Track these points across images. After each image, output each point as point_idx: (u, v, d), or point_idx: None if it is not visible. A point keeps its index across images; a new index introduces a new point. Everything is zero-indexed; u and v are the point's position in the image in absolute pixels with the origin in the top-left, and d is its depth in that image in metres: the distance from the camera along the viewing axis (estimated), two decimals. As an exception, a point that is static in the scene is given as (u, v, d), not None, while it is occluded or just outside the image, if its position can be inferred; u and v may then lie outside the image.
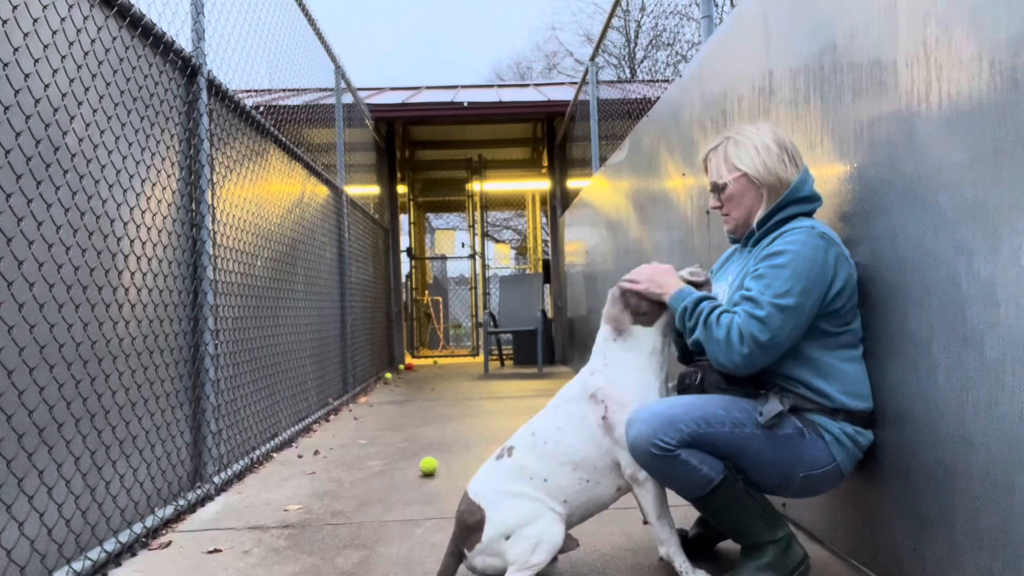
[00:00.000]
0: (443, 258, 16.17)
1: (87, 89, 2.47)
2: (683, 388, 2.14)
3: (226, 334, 3.61)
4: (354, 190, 7.50)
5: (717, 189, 2.13)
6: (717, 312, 1.94)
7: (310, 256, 5.44)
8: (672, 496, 2.02)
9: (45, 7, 2.25)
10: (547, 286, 11.48)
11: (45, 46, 2.24)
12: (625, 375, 2.08)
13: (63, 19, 2.35)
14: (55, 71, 2.29)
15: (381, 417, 5.58)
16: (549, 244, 11.71)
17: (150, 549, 2.59)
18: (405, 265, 12.42)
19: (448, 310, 15.11)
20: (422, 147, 12.85)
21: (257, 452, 3.93)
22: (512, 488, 2.03)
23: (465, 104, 9.89)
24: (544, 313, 9.45)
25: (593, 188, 6.98)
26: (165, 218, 3.04)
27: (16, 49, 2.10)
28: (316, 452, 4.20)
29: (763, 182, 2.04)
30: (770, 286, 1.88)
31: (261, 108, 4.72)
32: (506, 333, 10.09)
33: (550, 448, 2.05)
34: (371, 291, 8.31)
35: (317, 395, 5.53)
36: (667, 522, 2.05)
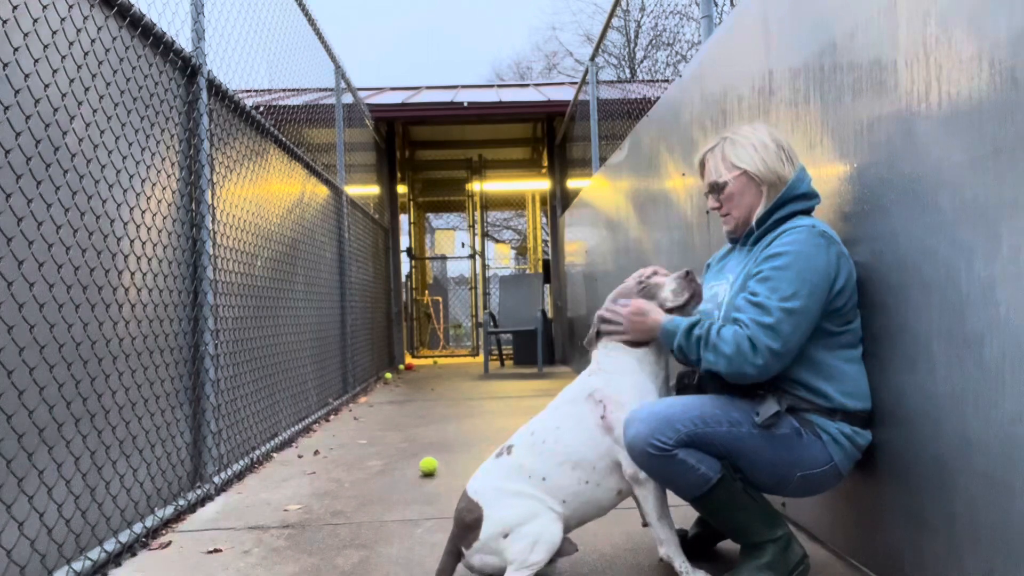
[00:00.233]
0: (443, 258, 16.17)
1: (87, 89, 2.47)
2: (681, 388, 2.14)
3: (226, 334, 3.61)
4: (354, 190, 7.50)
5: (716, 189, 2.12)
6: (715, 331, 1.91)
7: (310, 256, 5.44)
8: (672, 496, 2.02)
9: (45, 7, 2.25)
10: (547, 286, 11.48)
11: (45, 46, 2.24)
12: (623, 377, 2.09)
13: (63, 19, 2.35)
14: (55, 71, 2.29)
15: (381, 417, 5.58)
16: (549, 244, 11.72)
17: (150, 549, 2.59)
18: (405, 265, 12.42)
19: (448, 310, 15.11)
20: (422, 147, 12.85)
21: (257, 452, 3.93)
22: (511, 487, 2.03)
23: (465, 104, 9.89)
24: (544, 313, 9.45)
25: (593, 188, 6.98)
26: (165, 218, 3.04)
27: (16, 49, 2.10)
28: (316, 452, 4.20)
29: (763, 180, 2.04)
30: (776, 289, 1.86)
31: (261, 108, 4.72)
32: (506, 333, 10.09)
33: (549, 447, 2.05)
34: (371, 291, 8.31)
35: (317, 395, 5.53)
36: (667, 523, 2.05)
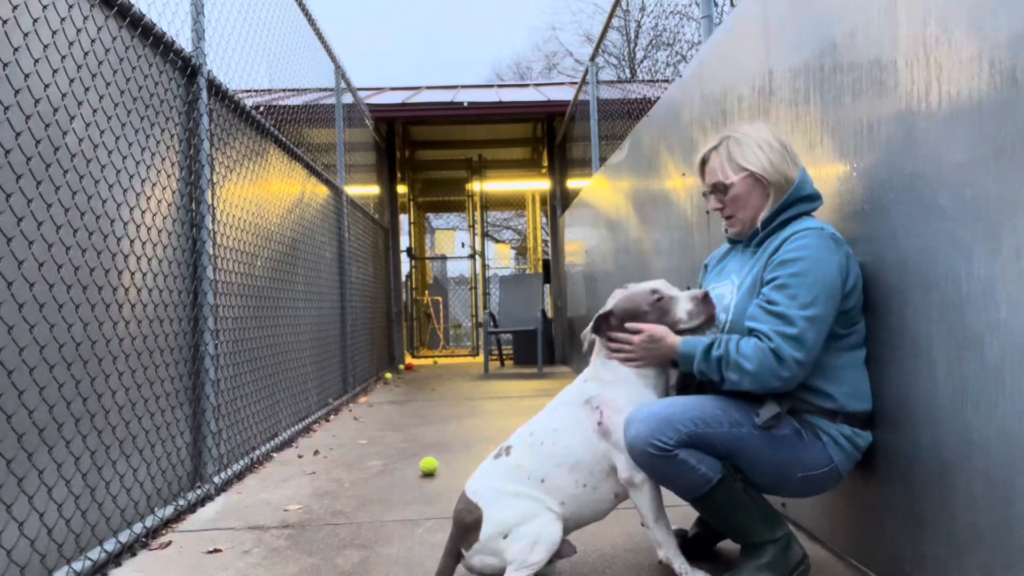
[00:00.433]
0: (443, 258, 16.17)
1: (87, 89, 2.47)
2: (682, 388, 2.14)
3: (226, 334, 3.61)
4: (354, 190, 7.50)
5: (720, 190, 2.06)
6: (735, 348, 1.87)
7: (310, 256, 5.44)
8: (672, 496, 2.02)
9: (45, 7, 2.25)
10: (547, 286, 11.48)
11: (45, 46, 2.24)
12: (622, 386, 2.07)
13: (63, 19, 2.35)
14: (55, 71, 2.29)
15: (381, 417, 5.58)
16: (549, 244, 11.71)
17: (150, 549, 2.59)
18: (405, 265, 12.42)
19: (448, 310, 15.10)
20: (422, 147, 12.85)
21: (257, 452, 3.93)
22: (510, 487, 2.03)
23: (465, 104, 9.89)
24: (544, 313, 9.45)
25: (593, 188, 6.98)
26: (165, 218, 3.04)
27: (16, 49, 2.10)
28: (316, 452, 4.20)
29: (770, 181, 2.00)
30: (795, 297, 1.83)
31: (261, 108, 4.72)
32: (506, 333, 10.09)
33: (547, 448, 2.05)
34: (371, 291, 8.31)
35: (317, 395, 5.53)
36: (664, 524, 2.04)
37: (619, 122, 6.58)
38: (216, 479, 3.31)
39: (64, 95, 2.34)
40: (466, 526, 2.02)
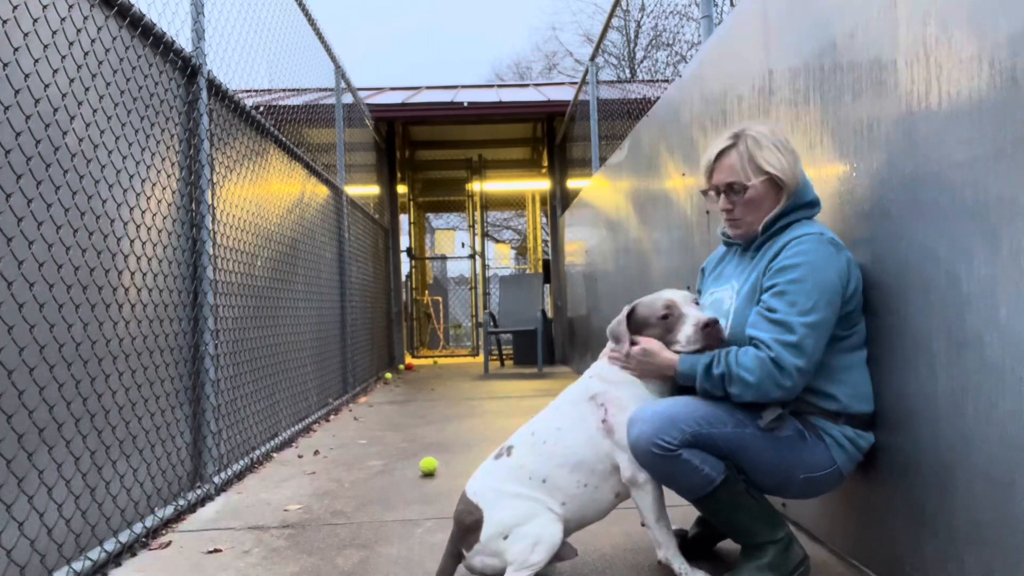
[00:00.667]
0: (443, 258, 16.17)
1: (87, 89, 2.47)
2: (685, 387, 2.13)
3: (226, 334, 3.61)
4: (354, 190, 7.50)
5: (738, 191, 2.00)
6: (735, 361, 1.86)
7: (310, 256, 5.44)
8: (672, 496, 2.02)
9: (45, 7, 2.25)
10: (547, 286, 11.48)
11: (45, 46, 2.24)
12: (627, 386, 2.07)
13: (63, 19, 2.35)
14: (55, 71, 2.29)
15: (381, 417, 5.58)
16: (549, 244, 11.71)
17: (150, 549, 2.59)
18: (405, 265, 12.42)
19: (448, 310, 15.11)
20: (422, 147, 12.85)
21: (257, 452, 3.93)
22: (510, 488, 2.03)
23: (465, 104, 9.89)
24: (544, 313, 9.45)
25: (593, 188, 6.98)
26: (165, 218, 3.04)
27: (16, 49, 2.10)
28: (316, 452, 4.20)
29: (787, 185, 1.97)
30: (794, 304, 1.83)
31: (261, 108, 4.72)
32: (506, 333, 10.09)
33: (549, 448, 2.04)
34: (371, 291, 8.31)
35: (317, 395, 5.53)
36: (665, 525, 2.04)
37: (619, 122, 6.58)
38: (216, 479, 3.31)
39: (64, 95, 2.34)
40: (467, 527, 2.02)
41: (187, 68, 3.31)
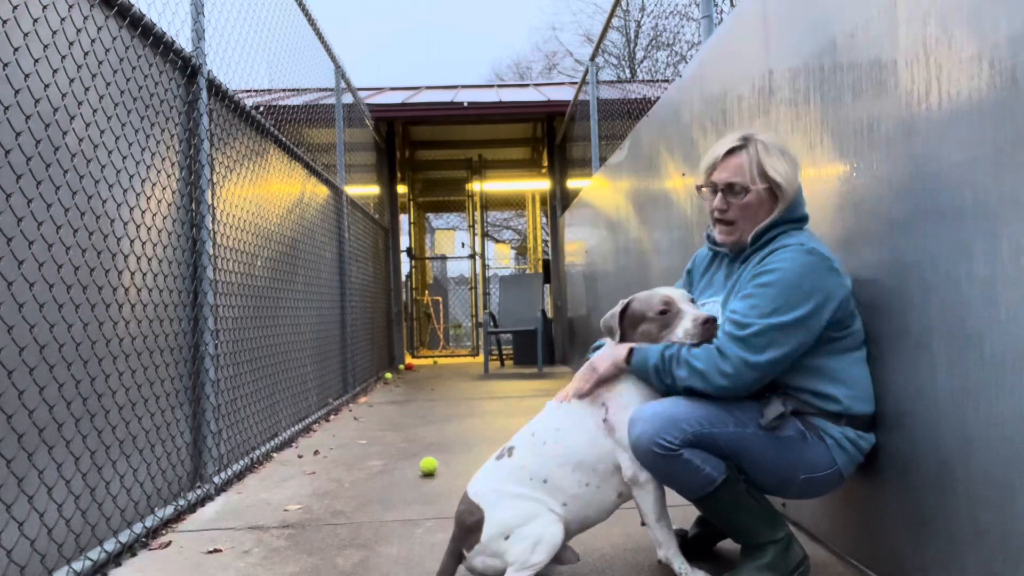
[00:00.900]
0: (443, 258, 16.17)
1: (87, 89, 2.47)
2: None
3: (226, 334, 3.61)
4: (354, 190, 7.50)
5: (738, 192, 1.99)
6: (687, 349, 1.91)
7: (310, 256, 5.44)
8: (672, 496, 2.02)
9: (45, 7, 2.25)
10: (547, 286, 11.48)
11: (45, 46, 2.24)
12: (627, 380, 2.07)
13: (63, 19, 2.35)
14: (55, 71, 2.29)
15: (381, 417, 5.58)
16: (549, 244, 11.71)
17: (150, 549, 2.59)
18: (405, 265, 12.42)
19: (448, 310, 15.10)
20: (422, 147, 12.85)
21: (257, 452, 3.93)
22: (512, 489, 2.02)
23: (465, 104, 9.89)
24: (544, 313, 9.45)
25: (593, 188, 6.98)
26: (165, 218, 3.04)
27: (16, 49, 2.10)
28: (316, 452, 4.20)
29: (784, 196, 1.97)
30: (756, 307, 1.86)
31: (261, 108, 4.72)
32: (506, 333, 10.09)
33: (550, 448, 2.04)
34: (371, 291, 8.31)
35: (317, 395, 5.53)
36: (666, 524, 2.04)
37: (619, 122, 6.58)
38: (216, 479, 3.31)
39: (64, 95, 2.34)
40: (468, 527, 2.02)
41: (187, 68, 3.31)
